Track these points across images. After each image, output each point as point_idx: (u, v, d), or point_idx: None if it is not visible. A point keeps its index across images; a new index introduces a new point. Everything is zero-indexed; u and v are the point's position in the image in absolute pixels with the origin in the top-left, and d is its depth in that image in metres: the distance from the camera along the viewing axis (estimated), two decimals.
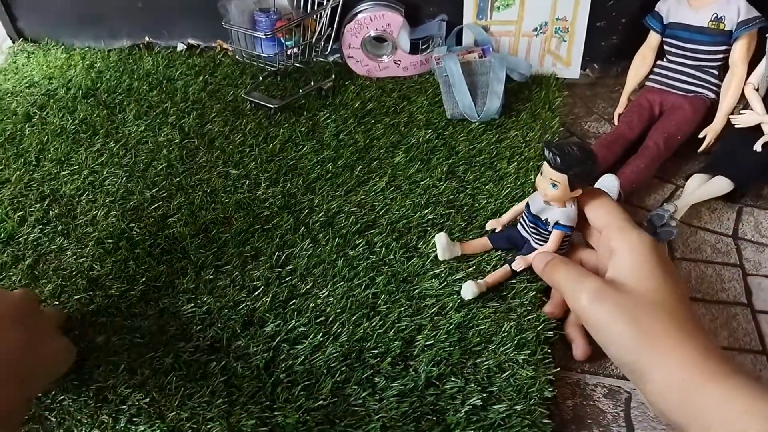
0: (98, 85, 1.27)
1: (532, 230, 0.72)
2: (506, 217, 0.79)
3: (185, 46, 1.41)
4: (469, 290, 0.73)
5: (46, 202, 0.93)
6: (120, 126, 1.12)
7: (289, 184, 0.96)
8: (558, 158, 0.60)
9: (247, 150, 1.04)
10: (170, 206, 0.92)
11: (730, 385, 0.43)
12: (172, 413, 0.64)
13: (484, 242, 0.81)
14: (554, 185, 0.62)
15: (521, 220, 0.76)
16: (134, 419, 0.64)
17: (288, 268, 0.81)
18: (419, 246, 0.84)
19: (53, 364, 0.61)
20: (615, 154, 1.01)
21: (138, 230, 0.87)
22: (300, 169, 1.00)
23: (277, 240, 0.85)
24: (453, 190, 0.94)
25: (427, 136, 1.07)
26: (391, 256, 0.82)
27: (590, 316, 0.53)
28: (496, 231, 0.80)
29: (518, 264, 0.72)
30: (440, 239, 0.79)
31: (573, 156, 0.59)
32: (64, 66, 1.34)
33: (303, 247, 0.84)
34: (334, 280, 0.79)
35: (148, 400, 0.65)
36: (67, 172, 0.99)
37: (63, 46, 1.44)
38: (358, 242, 0.84)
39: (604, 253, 0.60)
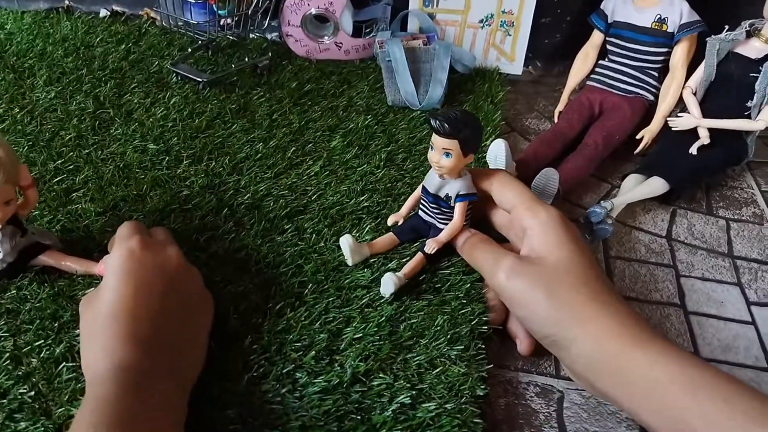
0: (7, 48, 1.15)
1: (435, 211, 0.70)
2: (405, 209, 0.75)
3: (108, 13, 1.30)
4: (390, 283, 0.67)
5: None
6: (27, 92, 1.01)
7: (214, 163, 0.89)
8: (446, 124, 0.59)
9: (170, 125, 0.96)
10: (76, 180, 0.82)
11: (655, 349, 0.44)
12: (61, 409, 0.55)
13: (391, 238, 0.75)
14: (447, 154, 0.62)
15: (421, 206, 0.73)
16: (15, 415, 0.55)
17: (208, 251, 0.73)
18: (353, 234, 0.78)
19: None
20: (555, 151, 1.00)
21: (37, 204, 0.77)
22: (227, 148, 0.92)
23: (197, 222, 0.78)
24: (391, 178, 0.89)
25: (367, 122, 1.02)
26: (322, 244, 0.76)
27: (509, 291, 0.55)
28: (399, 224, 0.76)
29: (430, 246, 0.69)
30: (346, 241, 0.71)
31: (460, 119, 0.60)
32: None
33: (225, 230, 0.77)
34: (258, 266, 0.72)
35: (33, 393, 0.57)
36: None
37: None
38: (286, 227, 0.78)
39: (517, 233, 0.62)
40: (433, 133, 0.63)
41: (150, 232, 0.65)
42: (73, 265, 0.67)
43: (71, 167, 0.85)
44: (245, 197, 0.82)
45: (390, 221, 0.76)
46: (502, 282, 0.54)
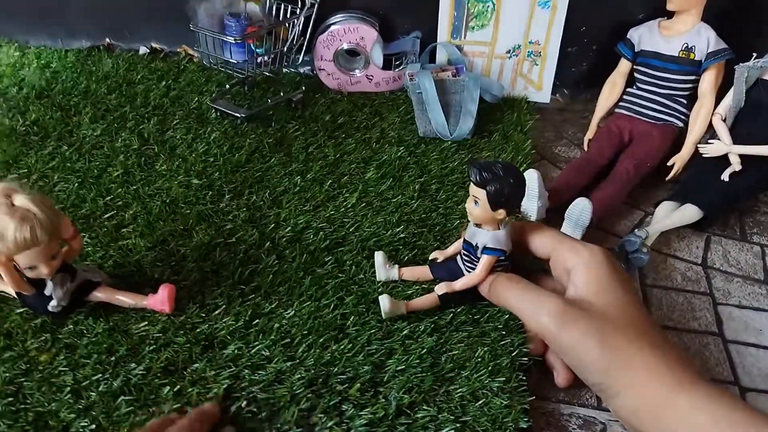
0: (53, 86, 1.20)
1: (466, 258, 0.71)
2: (450, 249, 0.77)
3: (148, 50, 1.35)
4: (384, 304, 0.69)
5: None
6: (74, 129, 1.06)
7: (254, 197, 0.92)
8: (478, 173, 0.60)
9: (211, 160, 0.99)
10: (125, 216, 0.86)
11: (696, 394, 0.45)
12: None
13: (424, 271, 0.77)
14: (476, 202, 0.63)
15: (461, 251, 0.73)
16: None
17: (252, 285, 0.76)
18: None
19: None
20: (586, 179, 1.01)
21: (89, 240, 0.81)
22: (266, 182, 0.95)
23: (241, 255, 0.81)
24: (425, 209, 0.91)
25: (399, 153, 1.04)
26: (362, 276, 0.78)
27: (559, 340, 0.53)
28: (438, 261, 0.77)
29: (440, 288, 0.70)
30: (377, 257, 0.76)
31: (493, 171, 0.60)
32: (17, 64, 1.27)
33: (268, 264, 0.79)
34: (301, 299, 0.74)
35: (93, 426, 0.59)
36: (15, 175, 0.92)
37: (17, 44, 1.36)
38: (326, 260, 0.81)
39: (561, 275, 0.61)
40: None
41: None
42: (124, 299, 0.70)
43: (120, 203, 0.88)
44: (286, 230, 0.85)
45: (431, 256, 0.78)
46: (552, 329, 0.54)
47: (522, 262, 0.71)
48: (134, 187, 0.92)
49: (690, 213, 0.92)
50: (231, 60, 1.05)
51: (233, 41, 1.01)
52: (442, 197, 0.95)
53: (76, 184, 0.92)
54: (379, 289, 0.76)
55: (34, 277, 0.64)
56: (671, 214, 0.92)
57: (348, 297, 0.75)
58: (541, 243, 0.63)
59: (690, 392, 0.45)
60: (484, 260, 0.67)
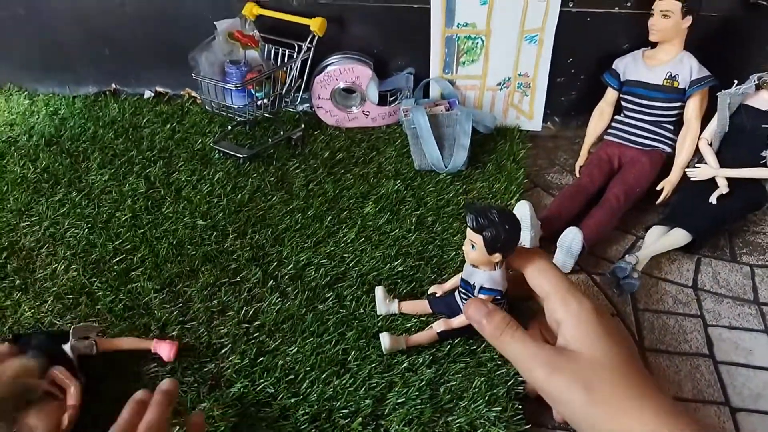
0: (62, 133, 1.25)
1: (463, 296, 0.73)
2: (448, 284, 0.80)
3: (153, 94, 1.40)
4: (385, 341, 0.73)
5: (4, 255, 0.90)
6: (83, 175, 1.10)
7: (257, 235, 0.95)
8: (474, 219, 0.60)
9: (215, 200, 1.03)
10: (134, 259, 0.90)
11: None
12: None
13: (423, 305, 0.80)
14: (473, 246, 0.63)
15: (458, 287, 0.75)
16: None
17: (256, 323, 0.79)
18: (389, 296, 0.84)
19: None
20: (578, 206, 1.04)
21: (99, 285, 0.85)
22: (269, 220, 0.99)
23: (245, 294, 0.84)
24: (422, 241, 0.95)
25: (396, 187, 1.08)
26: (362, 310, 0.82)
27: (547, 389, 0.54)
28: (437, 296, 0.80)
29: (438, 325, 0.73)
30: (377, 293, 0.80)
31: (489, 219, 0.60)
32: (26, 112, 1.32)
33: (271, 302, 0.82)
34: (303, 335, 0.78)
35: None
36: (26, 223, 0.96)
37: (26, 92, 1.41)
38: (327, 296, 0.84)
39: (552, 324, 0.62)
40: None
41: None
42: (121, 344, 0.74)
43: (129, 247, 0.92)
44: (288, 268, 0.88)
45: (430, 290, 0.81)
46: (542, 379, 0.55)
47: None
48: (142, 230, 0.95)
49: (679, 237, 0.95)
50: (232, 105, 1.09)
51: (234, 88, 1.06)
52: (438, 229, 0.98)
53: (86, 230, 0.95)
54: (379, 323, 0.79)
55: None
56: (661, 239, 0.95)
57: (349, 332, 0.78)
58: (538, 286, 0.64)
59: None
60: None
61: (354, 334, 0.77)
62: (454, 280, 0.77)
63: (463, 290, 0.73)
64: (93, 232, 0.95)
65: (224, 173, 1.11)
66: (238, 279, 0.86)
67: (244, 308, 0.81)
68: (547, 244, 0.95)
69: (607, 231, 1.00)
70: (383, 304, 0.79)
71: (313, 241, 0.95)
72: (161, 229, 0.96)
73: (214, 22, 1.13)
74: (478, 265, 0.67)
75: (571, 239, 0.91)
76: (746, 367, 0.79)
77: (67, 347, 0.69)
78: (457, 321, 0.72)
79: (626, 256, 0.91)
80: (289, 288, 0.85)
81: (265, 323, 0.79)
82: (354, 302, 0.83)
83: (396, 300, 0.80)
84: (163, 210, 1.01)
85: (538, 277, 0.65)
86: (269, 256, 0.91)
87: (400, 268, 0.88)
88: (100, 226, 0.97)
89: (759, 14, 1.13)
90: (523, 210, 0.94)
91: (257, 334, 0.77)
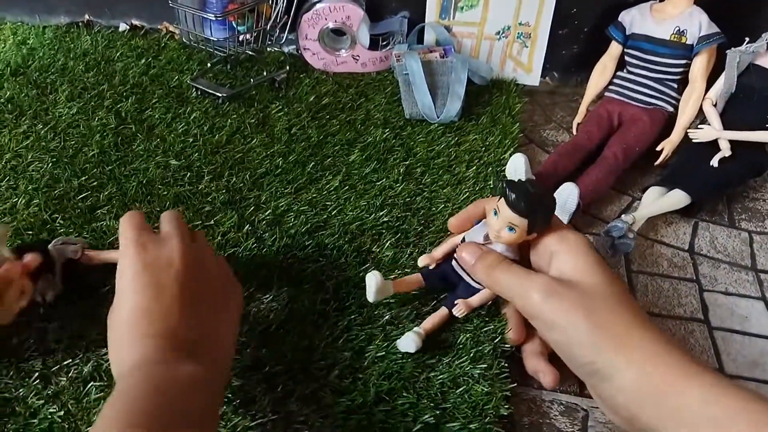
0: (29, 63, 1.16)
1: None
2: (439, 253, 0.68)
3: (128, 27, 1.31)
4: (411, 344, 0.63)
5: None
6: (50, 107, 1.03)
7: (234, 179, 0.89)
8: (522, 201, 0.54)
9: (191, 140, 0.96)
10: (100, 197, 0.83)
11: (706, 385, 0.42)
12: (90, 428, 0.56)
13: (417, 279, 0.69)
14: (512, 228, 0.57)
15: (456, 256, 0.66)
16: None
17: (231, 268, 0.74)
18: (373, 249, 0.79)
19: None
20: (574, 163, 0.99)
21: (62, 221, 0.78)
22: (247, 163, 0.93)
23: (219, 238, 0.78)
24: (410, 193, 0.90)
25: (385, 136, 1.02)
26: (343, 260, 0.77)
27: (545, 314, 0.51)
28: (430, 267, 0.69)
29: (459, 309, 0.64)
30: (373, 279, 0.65)
31: (538, 200, 0.55)
32: None
33: (247, 247, 0.77)
34: (279, 283, 0.73)
35: (62, 413, 0.58)
36: None
37: None
38: (307, 243, 0.79)
39: (542, 256, 0.58)
40: (503, 200, 0.56)
41: (160, 221, 0.62)
42: (109, 256, 0.69)
43: (95, 183, 0.86)
44: (266, 213, 0.83)
45: (420, 262, 0.69)
46: (538, 302, 0.52)
47: None
48: (110, 167, 0.89)
49: (678, 198, 0.91)
50: (212, 38, 1.01)
51: (214, 18, 0.98)
52: (427, 180, 0.93)
53: (50, 164, 0.89)
54: (361, 274, 0.74)
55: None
56: (659, 200, 0.91)
57: (329, 282, 0.73)
58: None
59: (699, 381, 0.42)
60: None
61: (333, 283, 0.73)
62: (445, 247, 0.68)
63: None
64: (58, 166, 0.88)
65: (201, 113, 1.04)
66: (212, 222, 0.81)
67: (217, 252, 0.75)
68: None
69: (604, 190, 0.95)
70: (380, 290, 0.66)
71: (294, 187, 0.89)
72: (131, 167, 0.90)
73: None
74: (505, 243, 0.60)
75: (567, 195, 0.86)
76: (741, 334, 0.76)
77: (50, 246, 0.66)
78: (478, 299, 0.64)
79: (622, 215, 0.87)
80: (267, 234, 0.80)
81: (240, 269, 0.74)
82: (335, 251, 0.78)
83: (390, 281, 0.68)
84: (134, 147, 0.94)
85: None
86: (246, 200, 0.86)
87: (385, 219, 0.84)
88: (65, 161, 0.90)
89: None
90: (517, 162, 0.89)
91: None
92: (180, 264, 0.55)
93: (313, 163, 0.94)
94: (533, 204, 0.54)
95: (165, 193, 0.85)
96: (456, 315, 0.65)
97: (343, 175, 0.92)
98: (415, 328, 0.65)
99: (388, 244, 0.79)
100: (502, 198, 0.57)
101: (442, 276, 0.69)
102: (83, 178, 0.86)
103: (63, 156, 0.91)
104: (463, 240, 0.65)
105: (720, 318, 0.78)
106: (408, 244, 0.80)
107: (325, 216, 0.84)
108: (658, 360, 0.44)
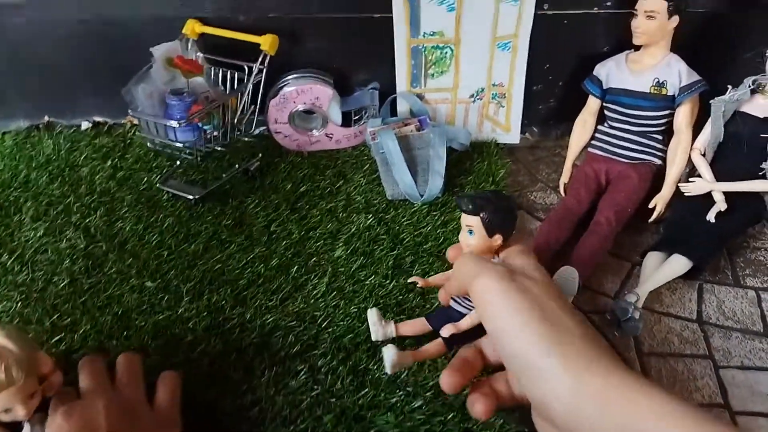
0: None
1: (466, 299, 0.66)
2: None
3: (90, 124, 1.27)
4: (388, 357, 0.63)
5: None
6: (15, 231, 0.97)
7: (215, 296, 0.84)
8: (469, 202, 0.55)
9: (165, 254, 0.92)
10: (75, 337, 0.78)
11: (656, 395, 0.38)
12: None
13: (421, 323, 0.73)
14: (471, 231, 0.56)
15: (455, 296, 0.66)
16: None
17: (221, 411, 0.69)
18: (370, 368, 0.74)
19: None
20: (566, 232, 0.95)
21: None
22: (227, 275, 0.88)
23: (205, 369, 0.73)
24: (401, 289, 0.85)
25: (368, 222, 0.98)
26: (339, 385, 0.72)
27: (495, 293, 0.46)
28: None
29: (446, 330, 0.63)
30: (371, 315, 0.72)
31: (483, 197, 0.56)
32: None
33: (235, 380, 0.72)
34: (274, 424, 0.68)
35: None
36: None
37: None
38: (299, 369, 0.74)
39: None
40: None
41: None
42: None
43: (68, 321, 0.80)
44: (252, 335, 0.78)
45: (411, 279, 0.78)
46: (490, 282, 0.48)
47: None
48: (82, 299, 0.84)
49: (679, 265, 0.87)
50: (177, 143, 0.97)
51: (177, 125, 0.93)
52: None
53: (19, 303, 0.83)
54: (360, 402, 0.69)
55: (9, 420, 0.57)
56: (660, 269, 0.87)
57: (326, 416, 0.68)
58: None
59: (647, 394, 0.38)
60: None
61: (331, 418, 0.68)
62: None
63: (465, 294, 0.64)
64: (27, 304, 0.83)
65: (175, 218, 0.99)
66: (195, 355, 0.76)
67: (204, 391, 0.70)
68: None
69: (602, 258, 0.92)
70: (379, 328, 0.71)
71: (279, 297, 0.84)
72: (104, 295, 0.84)
73: (150, 48, 1.00)
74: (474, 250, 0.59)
75: (566, 279, 0.82)
76: (766, 417, 0.71)
77: None
78: (467, 322, 0.63)
79: (626, 294, 0.83)
80: (255, 361, 0.75)
81: (231, 410, 0.69)
82: (330, 376, 0.73)
83: (392, 322, 0.72)
84: (106, 270, 0.89)
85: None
86: (230, 321, 0.81)
87: None
88: (35, 296, 0.85)
89: (747, 10, 1.05)
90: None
91: (221, 420, 0.67)
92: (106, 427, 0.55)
93: (296, 265, 0.89)
94: (479, 202, 0.55)
95: (142, 324, 0.80)
96: (442, 335, 0.61)
97: (329, 276, 0.88)
98: (399, 349, 0.63)
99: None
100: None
101: (446, 318, 0.67)
102: (55, 316, 0.81)
103: (32, 290, 0.85)
104: None
105: (741, 400, 0.74)
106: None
107: (315, 330, 0.79)
108: (603, 368, 0.40)
